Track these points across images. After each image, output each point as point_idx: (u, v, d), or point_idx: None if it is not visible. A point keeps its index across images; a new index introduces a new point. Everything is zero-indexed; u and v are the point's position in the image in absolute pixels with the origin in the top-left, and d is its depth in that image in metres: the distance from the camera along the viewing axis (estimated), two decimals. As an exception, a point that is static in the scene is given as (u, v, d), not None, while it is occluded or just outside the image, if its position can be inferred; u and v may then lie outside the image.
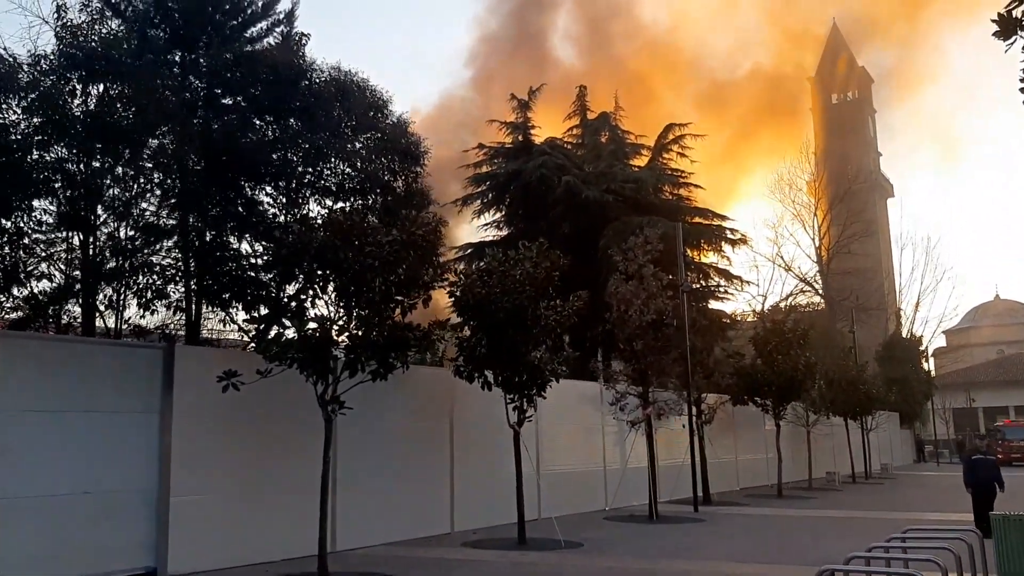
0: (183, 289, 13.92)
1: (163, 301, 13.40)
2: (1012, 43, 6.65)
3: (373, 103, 14.92)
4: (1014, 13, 6.58)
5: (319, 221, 11.35)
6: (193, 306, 13.97)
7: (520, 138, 28.86)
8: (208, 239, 13.30)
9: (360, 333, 11.17)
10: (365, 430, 14.11)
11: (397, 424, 15.04)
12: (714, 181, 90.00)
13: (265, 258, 12.84)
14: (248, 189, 14.27)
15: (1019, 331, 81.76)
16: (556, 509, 18.70)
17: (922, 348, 56.50)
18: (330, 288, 11.26)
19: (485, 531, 15.86)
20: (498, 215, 29.82)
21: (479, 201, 29.47)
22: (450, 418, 16.44)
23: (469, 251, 29.31)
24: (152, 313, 13.88)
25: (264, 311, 12.02)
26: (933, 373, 62.08)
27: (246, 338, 14.15)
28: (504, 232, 29.31)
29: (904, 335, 57.22)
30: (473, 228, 31.50)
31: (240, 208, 14.07)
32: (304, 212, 13.60)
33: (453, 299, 14.55)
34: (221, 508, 11.86)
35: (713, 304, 32.39)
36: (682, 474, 21.90)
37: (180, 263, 13.62)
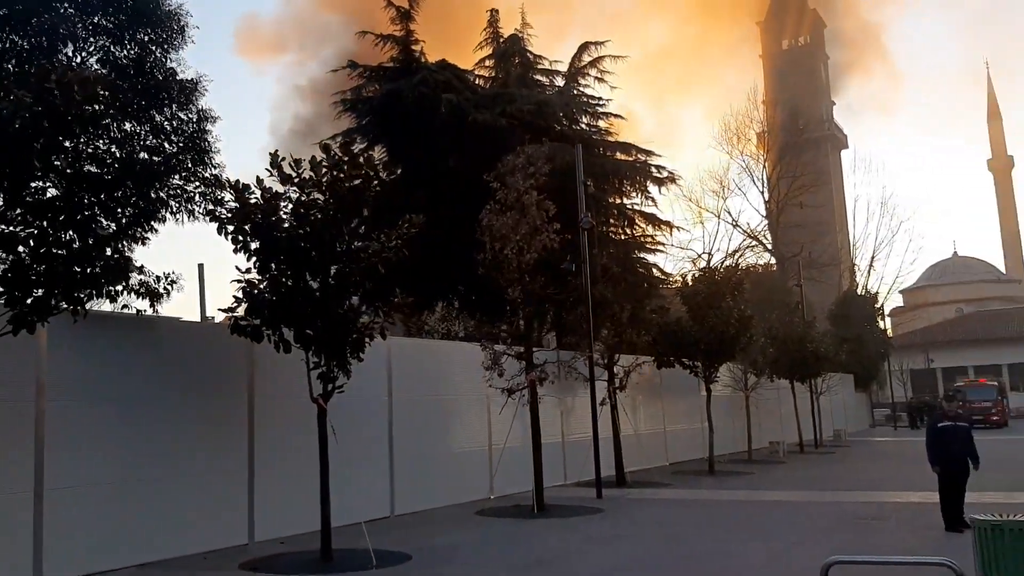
0: None
1: None
2: None
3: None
4: None
5: None
6: None
7: (401, 55, 23.94)
8: None
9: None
10: (95, 409, 10.03)
11: (160, 401, 10.91)
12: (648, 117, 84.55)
13: None
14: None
15: (978, 289, 79.00)
16: (422, 500, 14.91)
17: (877, 306, 53.02)
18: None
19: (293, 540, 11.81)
20: (384, 153, 24.96)
21: (361, 136, 24.48)
22: (248, 393, 12.25)
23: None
24: None
25: None
26: (890, 333, 58.97)
27: None
28: (389, 174, 24.48)
29: (859, 292, 53.87)
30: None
31: None
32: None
33: (216, 221, 10.36)
34: None
35: (645, 257, 28.54)
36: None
37: None
